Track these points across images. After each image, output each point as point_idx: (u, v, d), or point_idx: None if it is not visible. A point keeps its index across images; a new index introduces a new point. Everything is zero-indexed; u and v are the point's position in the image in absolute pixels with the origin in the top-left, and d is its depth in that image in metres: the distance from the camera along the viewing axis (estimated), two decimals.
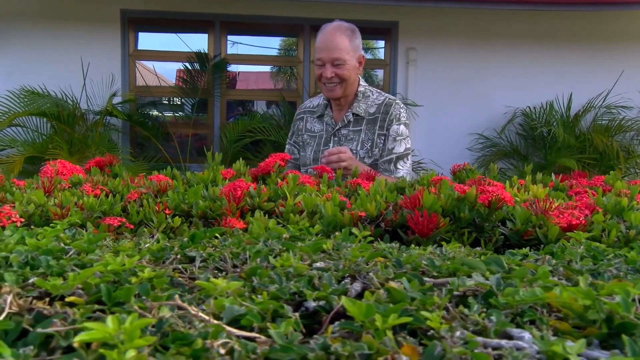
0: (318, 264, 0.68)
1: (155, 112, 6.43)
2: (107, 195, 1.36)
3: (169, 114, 6.69)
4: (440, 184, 1.43)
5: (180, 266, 0.70)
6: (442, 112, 6.34)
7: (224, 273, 0.70)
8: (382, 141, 2.46)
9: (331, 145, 2.50)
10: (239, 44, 6.50)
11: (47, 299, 0.53)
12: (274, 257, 0.71)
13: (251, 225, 1.11)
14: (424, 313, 0.46)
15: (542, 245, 1.08)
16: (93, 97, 5.68)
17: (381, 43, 6.72)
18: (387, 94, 2.58)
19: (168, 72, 7.23)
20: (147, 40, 6.56)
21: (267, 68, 7.29)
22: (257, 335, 0.47)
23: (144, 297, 0.53)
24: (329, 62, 2.37)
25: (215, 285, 0.53)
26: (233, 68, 6.63)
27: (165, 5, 5.93)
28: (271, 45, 7.70)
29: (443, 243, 1.04)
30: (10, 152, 5.25)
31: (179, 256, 0.74)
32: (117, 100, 5.77)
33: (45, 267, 0.61)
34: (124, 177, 1.60)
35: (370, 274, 0.62)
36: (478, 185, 1.27)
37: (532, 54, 6.29)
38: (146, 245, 0.80)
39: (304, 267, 0.63)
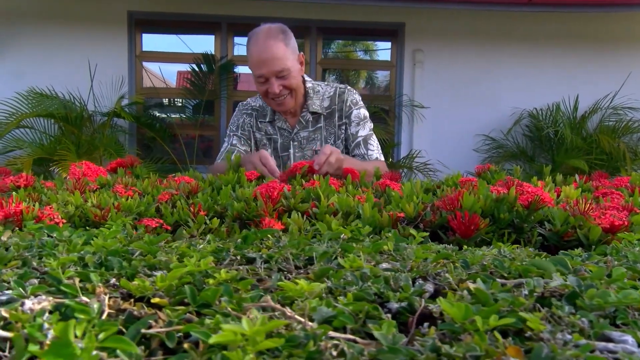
0: (384, 265, 0.68)
1: (162, 114, 6.44)
2: (139, 197, 1.36)
3: (175, 115, 6.70)
4: (477, 184, 1.42)
5: (242, 267, 0.70)
6: (448, 113, 6.34)
7: (288, 274, 0.69)
8: (343, 131, 2.36)
9: (291, 150, 2.36)
10: (239, 45, 6.50)
11: (132, 300, 0.53)
12: (335, 259, 0.71)
13: (291, 226, 1.11)
14: (523, 314, 0.46)
15: (583, 247, 1.08)
16: (100, 99, 5.68)
17: (388, 44, 6.73)
18: (334, 83, 2.44)
19: (170, 74, 7.24)
20: (154, 42, 6.56)
21: None
22: (350, 336, 0.46)
23: (225, 298, 0.53)
24: (273, 75, 2.15)
25: (301, 287, 0.53)
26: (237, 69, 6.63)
27: (171, 6, 5.93)
28: None
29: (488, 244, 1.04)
30: (18, 153, 5.25)
31: (238, 257, 0.74)
32: (124, 101, 5.77)
33: (118, 268, 0.60)
34: (150, 178, 1.59)
35: (446, 274, 0.62)
36: (510, 186, 1.26)
37: (539, 55, 6.30)
38: (200, 247, 0.79)
39: (377, 268, 0.62)
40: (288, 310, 0.47)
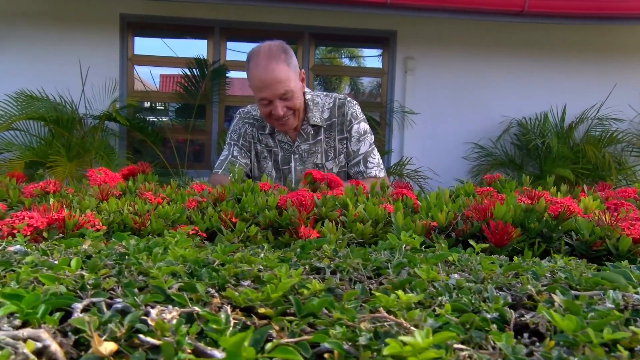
0: (455, 276, 0.70)
1: (153, 118, 6.41)
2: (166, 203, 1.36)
3: (163, 118, 6.67)
4: (494, 193, 1.46)
5: (313, 277, 0.71)
6: (438, 120, 6.42)
7: (360, 284, 0.71)
8: (344, 146, 2.33)
9: (293, 164, 2.33)
10: (231, 51, 6.50)
11: (237, 310, 0.54)
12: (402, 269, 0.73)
13: (329, 235, 1.13)
14: (634, 328, 0.48)
15: (611, 256, 1.11)
16: (92, 101, 5.64)
17: (379, 51, 6.79)
18: (333, 94, 2.39)
19: (154, 77, 7.16)
20: (146, 45, 6.52)
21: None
22: (462, 346, 0.48)
23: (325, 309, 0.54)
24: (276, 98, 2.10)
25: (400, 298, 0.55)
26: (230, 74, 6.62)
27: (164, 10, 5.91)
28: None
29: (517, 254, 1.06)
30: (7, 156, 5.18)
31: (306, 267, 0.75)
32: (117, 104, 5.73)
33: (208, 278, 0.62)
34: (172, 185, 1.60)
35: (520, 285, 0.64)
36: (536, 197, 1.30)
37: (529, 64, 6.42)
38: (261, 256, 0.81)
39: (461, 279, 0.64)
40: (403, 322, 0.49)
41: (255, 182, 2.30)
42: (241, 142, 2.36)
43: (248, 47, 6.87)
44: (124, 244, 0.75)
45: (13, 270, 0.63)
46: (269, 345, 0.39)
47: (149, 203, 1.30)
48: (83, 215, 1.08)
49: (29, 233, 0.97)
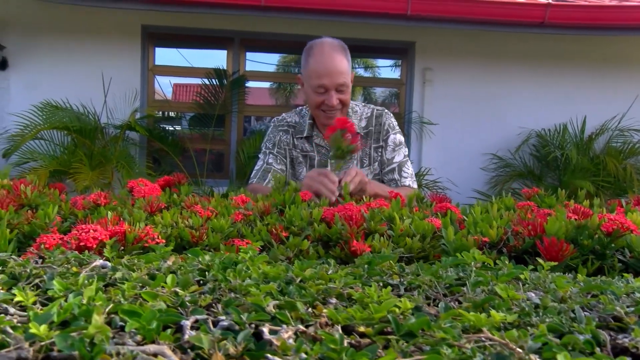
0: (531, 294, 0.71)
1: (172, 127, 6.47)
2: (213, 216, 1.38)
3: (177, 127, 6.73)
4: (535, 208, 1.46)
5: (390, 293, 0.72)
6: (457, 131, 6.41)
7: (436, 301, 0.72)
8: (379, 154, 2.37)
9: (329, 168, 2.27)
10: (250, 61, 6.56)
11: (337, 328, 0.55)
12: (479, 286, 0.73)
13: (382, 250, 1.14)
14: None
15: None
16: (113, 111, 5.70)
17: (393, 62, 6.82)
18: (370, 105, 2.45)
19: (165, 87, 7.23)
20: (164, 56, 6.58)
21: (266, 84, 7.38)
22: None
23: (420, 330, 0.55)
24: (333, 87, 2.16)
25: (493, 317, 0.55)
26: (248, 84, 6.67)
27: (185, 21, 5.97)
28: (269, 61, 7.69)
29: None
30: (31, 165, 5.24)
31: (380, 284, 0.76)
32: (137, 114, 5.79)
33: (298, 295, 0.63)
34: (215, 198, 1.61)
35: (616, 307, 0.64)
36: (588, 214, 1.30)
37: (548, 75, 6.40)
38: (330, 272, 0.81)
39: (546, 299, 0.65)
40: (509, 343, 0.50)
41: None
42: (276, 150, 2.38)
43: (267, 57, 6.95)
44: (200, 259, 0.77)
45: (109, 285, 0.65)
46: None
47: (199, 216, 1.31)
48: (141, 228, 1.09)
49: (94, 246, 0.99)
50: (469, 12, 5.46)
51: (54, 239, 1.03)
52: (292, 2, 5.31)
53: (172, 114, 6.84)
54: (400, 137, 2.41)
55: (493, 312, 0.56)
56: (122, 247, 1.05)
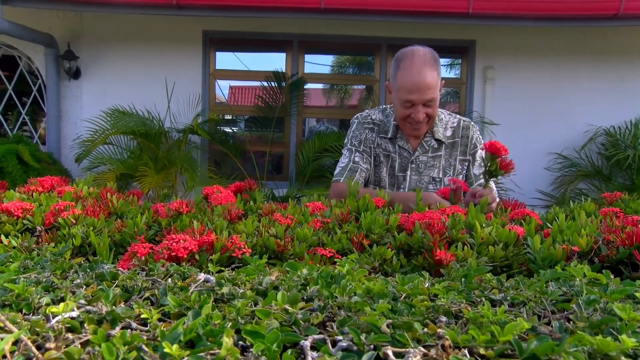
0: None
1: (233, 130, 6.59)
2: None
3: (234, 129, 6.85)
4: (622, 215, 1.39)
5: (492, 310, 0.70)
6: (519, 131, 6.24)
7: (544, 319, 0.69)
8: (463, 167, 2.33)
9: (409, 172, 2.32)
10: (309, 63, 6.59)
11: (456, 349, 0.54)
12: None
13: (469, 260, 1.12)
14: None
15: None
16: (176, 115, 5.86)
17: (449, 61, 6.71)
18: (457, 115, 2.40)
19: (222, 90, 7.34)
20: (223, 60, 6.70)
21: (319, 85, 7.34)
22: None
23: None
24: (421, 103, 2.14)
25: (624, 342, 0.53)
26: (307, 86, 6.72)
27: (245, 25, 6.07)
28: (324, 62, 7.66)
29: None
30: (100, 169, 5.45)
31: (482, 299, 0.74)
32: (200, 118, 5.93)
33: (408, 314, 0.62)
34: (290, 204, 1.62)
35: None
36: None
37: (615, 70, 6.14)
38: (426, 285, 0.80)
39: None
40: None
41: (368, 187, 2.34)
42: (362, 148, 2.36)
43: (325, 59, 6.97)
44: (299, 273, 0.77)
45: (217, 301, 0.66)
46: None
47: (279, 224, 1.32)
48: (226, 237, 1.11)
49: (184, 256, 1.01)
50: (532, 8, 5.30)
51: (144, 248, 1.06)
52: (352, 3, 5.30)
53: (238, 117, 6.96)
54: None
55: (625, 337, 0.54)
56: (209, 257, 1.07)
